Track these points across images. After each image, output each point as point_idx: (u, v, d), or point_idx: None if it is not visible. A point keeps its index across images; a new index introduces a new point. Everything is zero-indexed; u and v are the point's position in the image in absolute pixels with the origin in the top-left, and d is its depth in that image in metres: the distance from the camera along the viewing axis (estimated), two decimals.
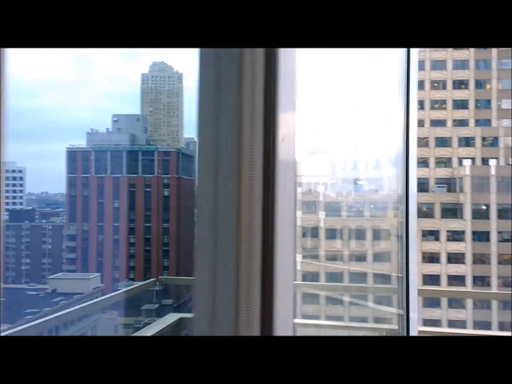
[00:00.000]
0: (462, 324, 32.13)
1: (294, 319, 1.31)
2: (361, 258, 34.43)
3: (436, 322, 31.74)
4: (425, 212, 35.37)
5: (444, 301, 32.38)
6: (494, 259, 34.07)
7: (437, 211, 35.30)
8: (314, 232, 34.08)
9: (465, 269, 34.04)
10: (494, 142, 39.99)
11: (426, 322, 31.09)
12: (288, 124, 1.35)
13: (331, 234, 33.83)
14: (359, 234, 34.85)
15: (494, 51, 42.71)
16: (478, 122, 40.54)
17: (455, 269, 34.05)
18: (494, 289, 33.18)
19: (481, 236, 34.54)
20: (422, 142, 39.88)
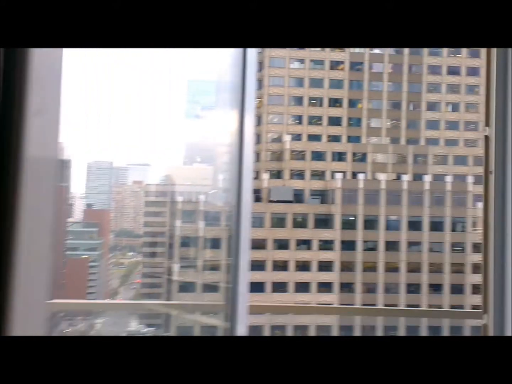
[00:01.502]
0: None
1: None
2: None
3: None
4: (299, 222, 37.20)
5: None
6: (359, 267, 36.75)
7: (311, 222, 37.28)
8: (194, 241, 34.31)
9: (334, 276, 36.34)
10: (363, 157, 43.10)
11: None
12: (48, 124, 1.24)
13: (213, 243, 34.29)
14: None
15: (366, 73, 46.03)
16: (349, 139, 43.46)
17: (325, 276, 36.19)
18: (358, 295, 35.79)
19: (348, 245, 37.07)
20: (299, 156, 41.94)
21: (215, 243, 34.31)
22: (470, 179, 40.82)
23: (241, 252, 2.02)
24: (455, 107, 47.05)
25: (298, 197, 39.02)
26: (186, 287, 32.47)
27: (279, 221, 36.72)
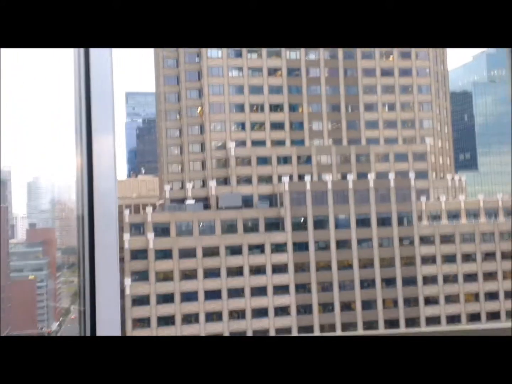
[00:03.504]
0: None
1: None
2: (191, 276, 34.50)
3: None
4: (250, 227, 37.00)
5: None
6: (313, 267, 36.86)
7: (261, 226, 37.17)
8: (143, 254, 33.29)
9: (289, 278, 36.29)
10: (308, 160, 43.62)
11: None
12: None
13: (162, 254, 33.46)
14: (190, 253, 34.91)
15: (304, 78, 46.68)
16: (293, 142, 43.94)
17: (280, 279, 36.08)
18: (314, 294, 35.86)
19: (300, 246, 37.18)
20: (245, 161, 41.92)
21: (166, 254, 33.55)
22: (411, 175, 42.08)
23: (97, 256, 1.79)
24: (391, 107, 48.59)
25: (247, 202, 38.90)
26: (140, 300, 31.44)
27: (229, 228, 36.37)
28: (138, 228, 32.26)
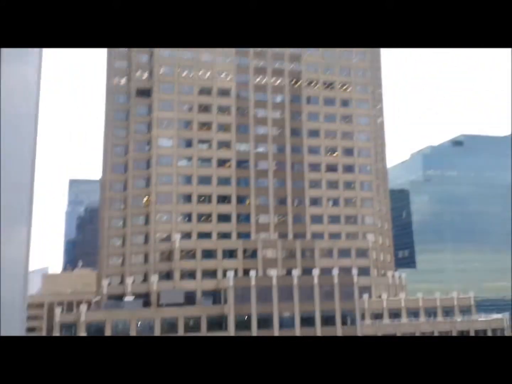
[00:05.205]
0: None
1: None
2: None
3: None
4: (191, 326, 35.48)
5: None
6: None
7: (204, 324, 35.76)
8: None
9: None
10: (253, 253, 43.24)
11: None
12: None
13: None
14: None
15: (252, 170, 47.26)
16: (239, 235, 43.65)
17: None
18: None
19: None
20: (190, 255, 40.97)
21: None
22: (354, 271, 42.35)
23: None
24: (335, 202, 49.78)
25: (189, 298, 37.55)
26: None
27: (170, 327, 34.66)
28: (69, 329, 30.14)
